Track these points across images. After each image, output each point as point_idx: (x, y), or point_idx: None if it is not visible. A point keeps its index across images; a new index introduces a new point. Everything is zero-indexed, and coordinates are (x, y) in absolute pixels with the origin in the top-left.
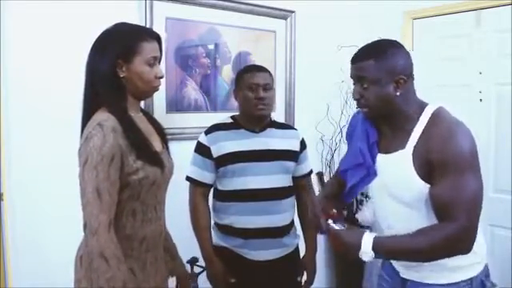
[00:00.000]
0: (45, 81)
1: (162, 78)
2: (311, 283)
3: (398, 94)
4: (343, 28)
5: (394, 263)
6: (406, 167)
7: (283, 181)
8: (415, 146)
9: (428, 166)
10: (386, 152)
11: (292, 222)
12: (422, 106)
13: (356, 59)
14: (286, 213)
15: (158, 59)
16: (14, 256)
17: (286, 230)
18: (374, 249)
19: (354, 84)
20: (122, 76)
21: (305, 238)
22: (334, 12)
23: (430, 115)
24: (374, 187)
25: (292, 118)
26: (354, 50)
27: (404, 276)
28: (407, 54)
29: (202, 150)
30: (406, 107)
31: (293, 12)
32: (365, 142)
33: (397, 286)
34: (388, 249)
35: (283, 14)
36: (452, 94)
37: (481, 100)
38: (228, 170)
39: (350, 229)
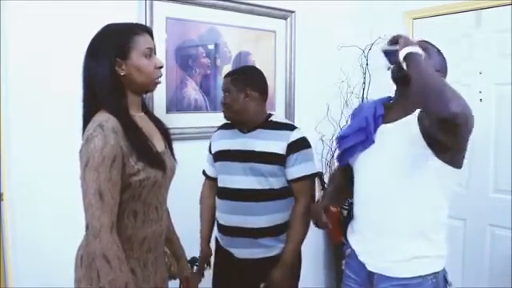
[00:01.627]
0: (45, 81)
1: (161, 67)
2: None
3: None
4: (343, 28)
5: (360, 256)
6: (412, 128)
7: (257, 183)
8: (419, 114)
9: (429, 126)
10: (392, 121)
11: (277, 226)
12: None
13: None
14: (260, 216)
15: (153, 50)
16: (13, 256)
17: (263, 233)
18: (420, 54)
19: None
20: (122, 74)
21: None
22: (334, 12)
23: None
24: (365, 160)
25: (292, 118)
26: (354, 50)
27: (371, 269)
28: None
29: (209, 145)
30: None
31: (293, 12)
32: (371, 114)
33: (364, 283)
34: (423, 63)
35: (283, 14)
36: None
37: (481, 100)
38: (215, 166)
39: None
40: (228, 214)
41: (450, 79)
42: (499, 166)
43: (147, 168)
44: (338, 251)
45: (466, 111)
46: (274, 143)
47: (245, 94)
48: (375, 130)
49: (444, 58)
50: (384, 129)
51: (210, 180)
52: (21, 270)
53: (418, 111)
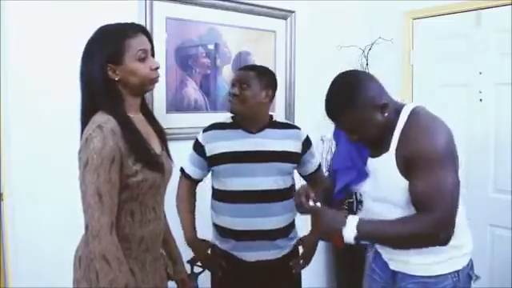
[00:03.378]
0: (45, 81)
1: (158, 68)
2: (307, 263)
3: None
4: (343, 28)
5: (382, 254)
6: (391, 168)
7: (276, 183)
8: (397, 148)
9: (407, 164)
10: (375, 156)
11: (289, 225)
12: (398, 109)
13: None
14: (279, 216)
15: (148, 51)
16: (13, 256)
17: (278, 234)
18: (357, 229)
19: None
20: (117, 79)
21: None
22: (334, 12)
23: (406, 117)
24: (364, 190)
25: (292, 117)
26: (354, 50)
27: (392, 268)
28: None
29: (196, 147)
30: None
31: (293, 12)
32: (353, 145)
33: (388, 279)
34: (370, 231)
35: (283, 14)
36: (452, 94)
37: (481, 100)
38: (220, 169)
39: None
40: (239, 218)
41: (450, 79)
42: (499, 165)
43: (145, 170)
44: (338, 251)
45: (448, 220)
46: (289, 142)
47: (266, 93)
48: (365, 162)
49: (377, 81)
50: (371, 163)
51: (190, 180)
52: (21, 270)
53: (393, 148)
